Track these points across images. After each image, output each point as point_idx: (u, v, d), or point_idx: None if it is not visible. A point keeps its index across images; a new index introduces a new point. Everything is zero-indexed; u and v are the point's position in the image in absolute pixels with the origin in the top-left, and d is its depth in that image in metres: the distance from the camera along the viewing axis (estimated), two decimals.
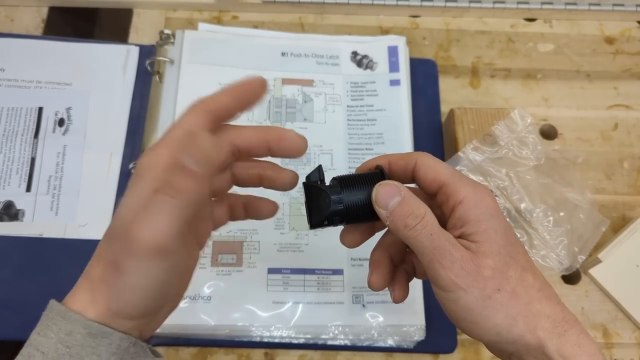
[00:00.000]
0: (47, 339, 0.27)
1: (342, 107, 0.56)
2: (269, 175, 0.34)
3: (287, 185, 0.34)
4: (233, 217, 0.35)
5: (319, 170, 0.33)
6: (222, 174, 0.33)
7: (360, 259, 0.50)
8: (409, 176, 0.33)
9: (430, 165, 0.32)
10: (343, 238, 0.36)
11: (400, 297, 0.36)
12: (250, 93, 0.32)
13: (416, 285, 0.49)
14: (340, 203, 0.32)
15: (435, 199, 0.32)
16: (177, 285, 0.31)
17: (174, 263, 0.27)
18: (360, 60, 0.58)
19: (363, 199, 0.32)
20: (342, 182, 0.32)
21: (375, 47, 0.59)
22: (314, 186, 0.33)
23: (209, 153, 0.27)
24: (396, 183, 0.31)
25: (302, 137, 0.33)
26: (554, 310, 0.30)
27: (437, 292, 0.30)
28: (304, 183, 0.33)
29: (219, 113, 0.30)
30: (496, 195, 0.49)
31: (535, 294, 0.30)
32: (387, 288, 0.36)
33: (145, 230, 0.25)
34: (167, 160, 0.26)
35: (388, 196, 0.30)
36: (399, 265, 0.36)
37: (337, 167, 0.53)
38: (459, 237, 0.30)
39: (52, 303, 0.28)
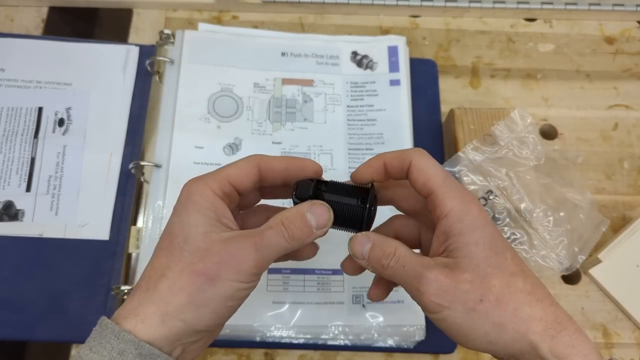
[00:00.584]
0: (100, 356, 0.28)
1: (342, 107, 0.56)
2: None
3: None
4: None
5: (313, 185, 0.34)
6: (258, 216, 0.37)
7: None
8: (404, 176, 0.34)
9: (422, 169, 0.32)
10: (342, 267, 0.39)
11: (375, 296, 0.38)
12: (303, 172, 0.35)
13: None
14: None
15: (426, 206, 0.33)
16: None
17: (255, 285, 0.32)
18: (360, 60, 0.58)
19: (344, 211, 0.34)
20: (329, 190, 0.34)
21: (375, 47, 0.59)
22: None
23: (328, 225, 0.33)
24: (366, 233, 0.33)
25: (318, 165, 0.36)
26: (546, 313, 0.30)
27: (428, 316, 0.32)
28: (293, 196, 0.34)
29: (267, 175, 0.34)
30: (496, 196, 0.49)
31: (524, 298, 0.30)
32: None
33: (254, 259, 0.30)
34: (218, 193, 0.32)
35: (360, 246, 0.33)
36: None
37: (337, 167, 0.53)
38: (444, 251, 0.32)
39: (105, 321, 0.30)
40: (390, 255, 0.32)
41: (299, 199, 0.33)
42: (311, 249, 0.38)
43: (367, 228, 0.34)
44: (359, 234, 0.33)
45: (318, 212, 0.32)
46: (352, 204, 0.33)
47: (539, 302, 0.30)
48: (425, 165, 0.32)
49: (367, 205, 0.33)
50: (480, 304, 0.30)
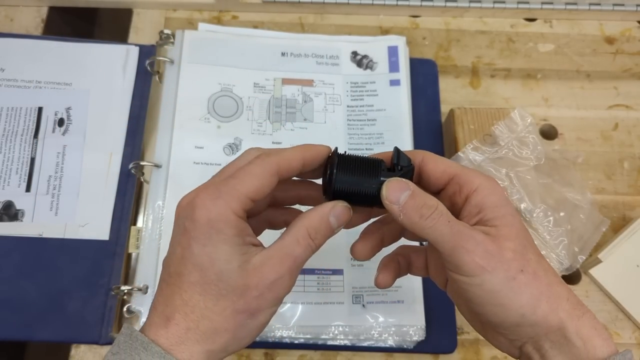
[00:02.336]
0: None
1: (342, 107, 0.56)
2: (308, 194, 0.36)
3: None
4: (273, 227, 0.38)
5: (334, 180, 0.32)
6: (258, 218, 0.35)
7: None
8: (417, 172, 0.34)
9: (437, 161, 0.32)
10: (353, 250, 0.36)
11: (383, 281, 0.36)
12: (316, 161, 0.33)
13: (416, 286, 0.49)
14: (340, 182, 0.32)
15: (444, 192, 0.33)
16: None
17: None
18: (360, 60, 0.58)
19: (358, 182, 0.32)
20: (342, 161, 0.32)
21: (375, 47, 0.59)
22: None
23: (345, 221, 0.32)
24: (403, 179, 0.31)
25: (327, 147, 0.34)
26: (571, 294, 0.30)
27: (459, 279, 0.30)
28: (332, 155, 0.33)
29: (284, 175, 0.32)
30: None
31: (553, 277, 0.30)
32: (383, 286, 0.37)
33: (286, 285, 0.30)
34: (240, 215, 0.30)
35: (398, 191, 0.30)
36: (395, 256, 0.37)
37: None
38: (475, 224, 0.31)
39: (135, 332, 0.29)
40: (433, 207, 0.30)
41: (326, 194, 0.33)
42: None
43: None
44: (396, 178, 0.31)
45: (339, 213, 0.32)
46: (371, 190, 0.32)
47: (563, 283, 0.30)
48: (439, 158, 0.33)
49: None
50: (520, 273, 0.29)
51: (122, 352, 0.28)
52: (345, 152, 0.33)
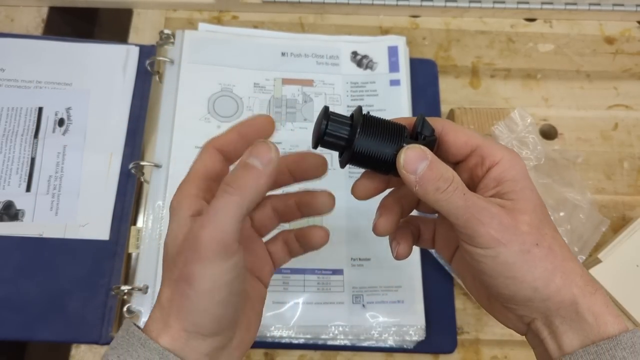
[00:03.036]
0: None
1: (342, 107, 0.56)
2: (306, 201, 0.35)
3: (325, 206, 0.35)
4: (292, 254, 0.37)
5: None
6: (264, 210, 0.35)
7: (360, 259, 0.50)
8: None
9: (460, 129, 0.31)
10: (355, 187, 0.34)
11: (404, 252, 0.35)
12: (256, 131, 0.33)
13: (416, 286, 0.49)
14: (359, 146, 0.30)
15: (465, 163, 0.32)
16: (246, 312, 0.33)
17: (238, 263, 0.28)
18: (360, 60, 0.58)
19: (378, 146, 0.30)
20: (365, 122, 0.30)
21: (375, 47, 0.59)
22: (338, 115, 0.31)
23: (274, 156, 0.29)
24: (422, 147, 0.30)
25: (321, 157, 0.34)
26: (584, 271, 0.30)
27: (473, 252, 0.30)
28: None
29: (227, 150, 0.32)
30: None
31: (567, 253, 0.30)
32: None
33: (208, 232, 0.27)
34: (194, 193, 0.30)
35: (416, 161, 0.29)
36: (405, 225, 0.36)
37: (336, 167, 0.53)
38: (492, 196, 0.30)
39: (133, 328, 0.29)
40: (449, 180, 0.29)
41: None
42: (321, 234, 0.36)
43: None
44: (415, 145, 0.29)
45: (259, 150, 0.29)
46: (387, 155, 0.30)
47: (576, 259, 0.30)
48: (460, 128, 0.32)
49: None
50: (535, 247, 0.29)
51: (119, 347, 0.28)
52: (368, 112, 0.31)
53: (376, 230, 0.34)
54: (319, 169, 0.34)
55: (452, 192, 0.29)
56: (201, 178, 0.31)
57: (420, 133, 0.30)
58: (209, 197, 0.30)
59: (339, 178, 0.53)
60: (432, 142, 0.31)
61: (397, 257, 0.35)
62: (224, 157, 0.32)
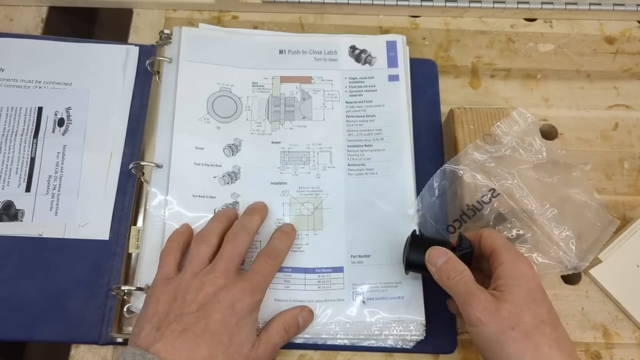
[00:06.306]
0: None
1: (341, 103, 0.56)
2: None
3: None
4: None
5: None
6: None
7: (360, 256, 0.50)
8: (477, 244, 0.44)
9: (489, 237, 0.43)
10: (449, 305, 0.48)
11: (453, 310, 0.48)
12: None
13: (416, 285, 0.49)
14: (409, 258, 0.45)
15: (489, 260, 0.43)
16: None
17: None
18: (359, 55, 0.58)
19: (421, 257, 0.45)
20: (414, 241, 0.46)
21: (374, 42, 0.58)
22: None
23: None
24: (442, 248, 0.43)
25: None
26: (561, 357, 0.37)
27: (467, 327, 0.41)
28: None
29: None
30: (498, 194, 0.49)
31: (547, 342, 0.38)
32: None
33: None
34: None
35: (437, 257, 0.43)
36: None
37: (336, 164, 0.53)
38: (494, 288, 0.41)
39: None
40: (459, 272, 0.41)
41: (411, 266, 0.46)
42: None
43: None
44: (438, 247, 0.44)
45: (306, 315, 0.46)
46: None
47: (559, 350, 0.38)
48: (494, 235, 0.44)
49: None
50: (511, 330, 0.38)
51: None
52: (421, 235, 0.46)
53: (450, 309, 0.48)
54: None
55: (457, 281, 0.41)
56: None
57: (459, 246, 0.44)
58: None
59: (339, 178, 0.53)
60: (469, 253, 0.44)
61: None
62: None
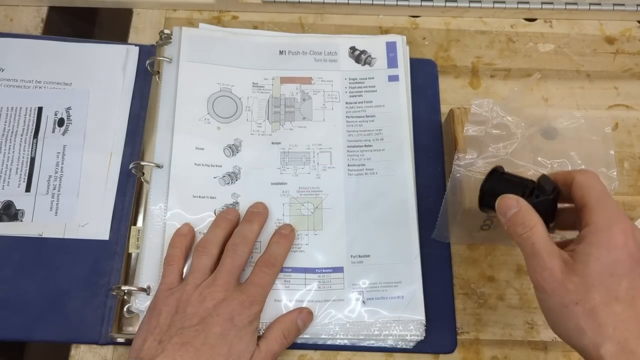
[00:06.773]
0: None
1: (341, 104, 0.56)
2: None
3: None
4: None
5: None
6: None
7: (360, 256, 0.50)
8: (567, 191, 0.38)
9: (582, 186, 0.37)
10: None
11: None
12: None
13: (416, 280, 0.49)
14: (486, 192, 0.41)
15: (580, 215, 0.37)
16: None
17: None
18: (359, 56, 0.58)
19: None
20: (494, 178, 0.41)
21: (374, 42, 0.58)
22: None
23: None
24: (517, 198, 0.38)
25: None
26: (627, 342, 0.33)
27: (533, 285, 0.37)
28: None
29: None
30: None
31: (613, 322, 0.33)
32: None
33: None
34: None
35: (507, 207, 0.38)
36: None
37: (336, 165, 0.53)
38: (572, 250, 0.35)
39: None
40: (528, 228, 0.36)
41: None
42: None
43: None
44: (510, 195, 0.38)
45: (304, 317, 0.46)
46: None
47: (628, 331, 0.33)
48: (587, 182, 0.37)
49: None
50: (574, 305, 0.34)
51: None
52: (504, 172, 0.41)
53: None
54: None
55: (525, 239, 0.36)
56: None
57: (537, 190, 0.38)
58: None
59: (339, 178, 0.53)
60: (548, 200, 0.38)
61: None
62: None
